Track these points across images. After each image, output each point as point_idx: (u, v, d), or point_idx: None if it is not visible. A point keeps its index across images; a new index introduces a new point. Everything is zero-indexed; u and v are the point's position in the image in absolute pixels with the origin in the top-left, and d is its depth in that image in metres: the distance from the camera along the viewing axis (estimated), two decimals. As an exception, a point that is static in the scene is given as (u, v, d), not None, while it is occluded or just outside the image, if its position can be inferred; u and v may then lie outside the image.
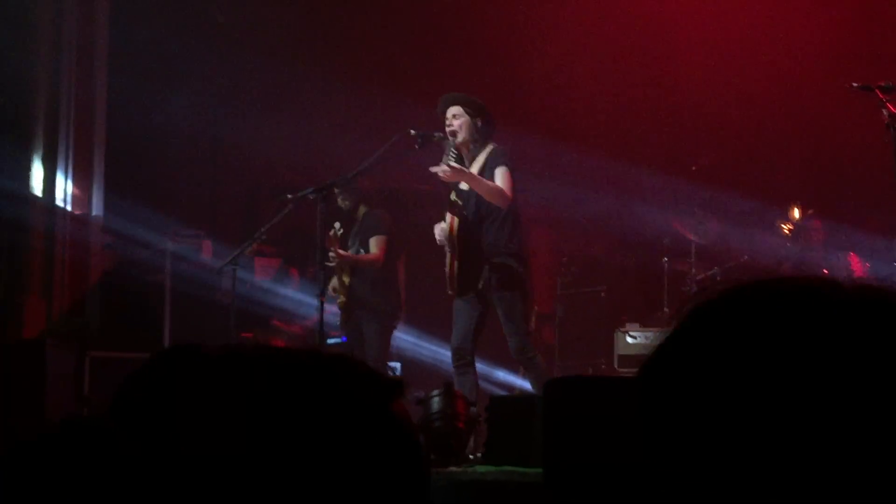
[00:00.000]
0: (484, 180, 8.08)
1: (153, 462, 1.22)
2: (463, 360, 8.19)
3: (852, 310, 1.12)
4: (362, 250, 9.95)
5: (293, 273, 11.99)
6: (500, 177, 8.08)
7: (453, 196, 8.20)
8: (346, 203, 9.95)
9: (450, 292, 8.33)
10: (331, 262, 9.69)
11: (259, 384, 1.24)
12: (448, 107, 8.33)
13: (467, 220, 8.21)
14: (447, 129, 8.25)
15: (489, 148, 8.27)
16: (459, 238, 8.13)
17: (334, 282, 9.97)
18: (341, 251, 9.68)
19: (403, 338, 11.47)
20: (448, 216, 8.17)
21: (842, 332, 1.09)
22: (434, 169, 8.05)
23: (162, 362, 1.30)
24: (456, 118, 8.25)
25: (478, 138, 8.28)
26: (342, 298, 9.94)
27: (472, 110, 8.29)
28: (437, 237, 8.28)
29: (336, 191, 8.59)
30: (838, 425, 1.05)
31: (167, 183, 11.90)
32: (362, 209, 10.06)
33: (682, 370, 1.15)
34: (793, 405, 1.07)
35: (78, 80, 10.47)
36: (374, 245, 9.93)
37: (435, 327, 11.56)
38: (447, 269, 8.22)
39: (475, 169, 8.20)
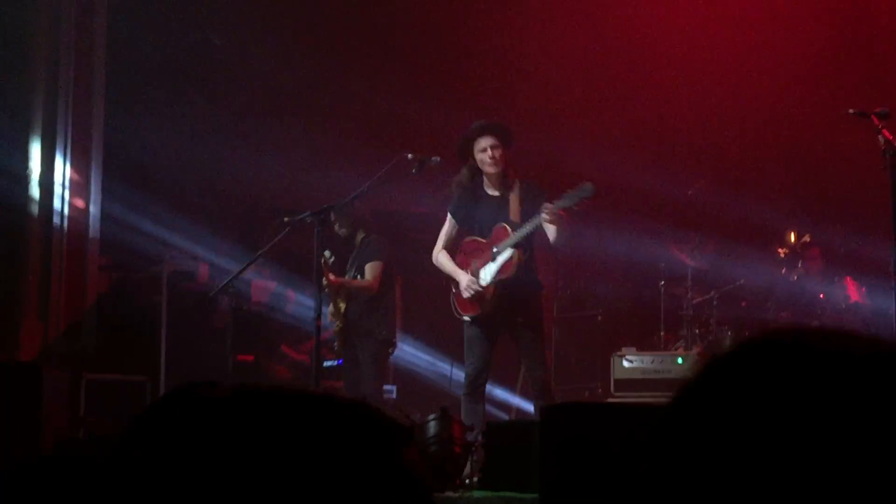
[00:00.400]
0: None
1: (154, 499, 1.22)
2: (479, 388, 8.22)
3: (858, 368, 1.12)
4: (359, 276, 9.96)
5: (290, 295, 11.99)
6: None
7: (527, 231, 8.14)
8: (343, 230, 9.96)
9: (466, 317, 8.36)
10: (326, 287, 9.71)
11: (268, 428, 1.24)
12: (481, 136, 8.27)
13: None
14: (486, 159, 8.24)
15: (524, 182, 8.32)
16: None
17: (330, 308, 9.98)
18: (332, 276, 9.69)
19: (405, 351, 11.49)
20: (515, 252, 8.14)
21: (848, 391, 1.10)
22: (551, 209, 8.00)
23: (170, 403, 1.30)
24: (495, 149, 8.21)
25: (507, 172, 8.31)
26: (339, 324, 9.94)
27: (506, 140, 8.31)
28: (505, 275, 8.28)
29: (332, 217, 8.61)
30: (845, 485, 1.06)
31: (164, 205, 11.89)
32: (360, 235, 10.07)
33: (695, 430, 1.15)
34: (801, 465, 1.08)
35: (76, 103, 10.48)
36: (370, 272, 9.94)
37: (432, 345, 11.60)
38: (483, 298, 8.25)
39: (514, 203, 8.22)
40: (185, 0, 12.22)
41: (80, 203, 10.42)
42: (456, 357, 9.06)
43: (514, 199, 8.26)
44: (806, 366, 1.12)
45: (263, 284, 11.79)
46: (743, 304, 11.37)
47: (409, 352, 11.77)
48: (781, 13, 12.23)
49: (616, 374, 10.54)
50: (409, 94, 12.43)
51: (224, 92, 12.66)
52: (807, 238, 11.47)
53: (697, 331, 11.06)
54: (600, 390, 11.34)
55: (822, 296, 10.97)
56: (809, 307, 11.03)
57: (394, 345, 10.35)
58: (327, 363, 11.10)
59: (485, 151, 8.18)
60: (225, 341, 10.40)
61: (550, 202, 7.94)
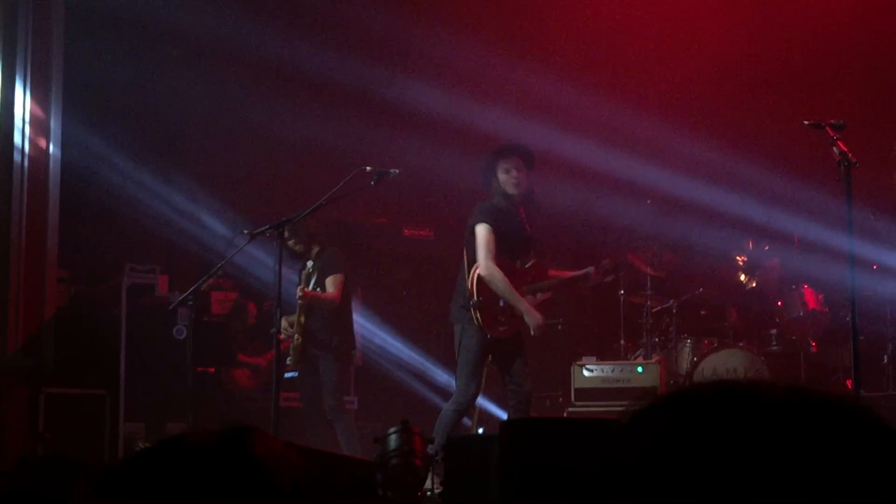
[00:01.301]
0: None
1: None
2: (467, 405, 8.53)
3: (777, 414, 1.21)
4: (319, 289, 9.98)
5: (251, 307, 11.98)
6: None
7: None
8: (299, 246, 9.96)
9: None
10: (299, 299, 9.77)
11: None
12: (509, 156, 8.54)
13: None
14: (510, 180, 8.39)
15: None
16: None
17: (289, 319, 9.98)
18: (307, 289, 9.75)
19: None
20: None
21: (766, 436, 1.19)
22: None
23: (142, 463, 1.31)
24: (519, 170, 8.43)
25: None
26: (298, 339, 9.94)
27: (529, 163, 8.56)
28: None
29: (286, 233, 8.63)
30: None
31: (122, 217, 11.86)
32: (315, 248, 10.09)
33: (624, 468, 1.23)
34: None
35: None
36: (331, 284, 9.96)
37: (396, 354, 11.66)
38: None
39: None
40: None
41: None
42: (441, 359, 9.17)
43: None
44: (721, 417, 1.20)
45: (223, 296, 11.76)
46: (702, 312, 11.44)
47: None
48: (736, 26, 12.33)
49: (576, 384, 10.58)
50: (374, 105, 12.46)
51: (181, 102, 12.62)
52: (766, 248, 11.56)
53: (657, 339, 11.12)
54: (561, 399, 11.37)
55: (780, 303, 11.06)
56: (767, 315, 11.11)
57: (353, 354, 10.39)
58: (288, 374, 11.10)
59: (511, 172, 8.40)
60: (185, 353, 10.36)
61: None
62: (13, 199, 10.09)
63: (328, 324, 9.97)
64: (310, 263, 9.88)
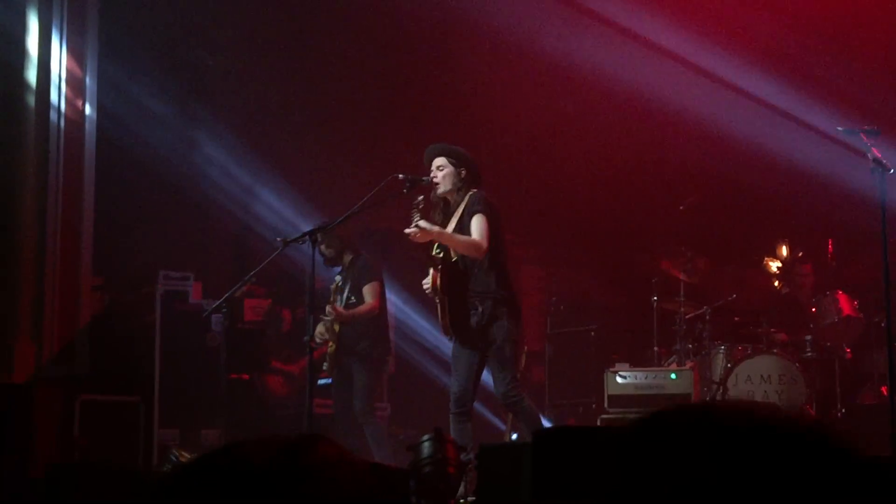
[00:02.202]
0: (455, 236, 8.19)
1: None
2: (463, 407, 8.26)
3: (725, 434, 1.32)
4: (353, 297, 10.03)
5: (285, 314, 12.01)
6: (475, 225, 8.17)
7: (435, 250, 8.27)
8: (330, 251, 10.01)
9: (448, 338, 8.43)
10: (327, 315, 9.81)
11: None
12: (433, 158, 8.44)
13: (453, 266, 8.29)
14: (432, 180, 8.36)
15: (469, 194, 8.34)
16: (445, 289, 8.20)
17: (321, 327, 10.02)
18: (339, 308, 9.81)
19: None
20: (431, 272, 8.22)
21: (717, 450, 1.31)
22: (406, 231, 8.12)
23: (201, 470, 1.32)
24: (440, 169, 8.37)
25: (461, 187, 8.37)
26: (333, 347, 9.98)
27: (455, 160, 8.39)
28: (426, 289, 8.36)
29: (318, 238, 8.66)
30: None
31: (156, 224, 11.92)
32: (348, 256, 10.13)
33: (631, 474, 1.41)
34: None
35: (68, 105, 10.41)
36: (369, 293, 10.03)
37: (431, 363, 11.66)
38: (439, 317, 8.29)
39: (456, 217, 8.29)
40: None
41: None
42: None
43: (458, 213, 8.44)
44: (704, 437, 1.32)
45: (257, 303, 11.80)
46: (735, 318, 11.38)
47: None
48: (772, 30, 12.26)
49: (609, 390, 10.55)
50: (403, 114, 12.48)
51: (217, 110, 12.67)
52: (800, 254, 11.50)
53: (690, 346, 11.07)
54: (594, 405, 11.35)
55: (813, 310, 11.00)
56: (801, 321, 11.05)
57: (387, 362, 10.43)
58: (321, 381, 11.12)
59: (432, 173, 8.43)
60: (218, 361, 10.40)
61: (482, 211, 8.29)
62: (48, 207, 10.14)
63: (363, 331, 10.01)
64: (338, 277, 9.92)
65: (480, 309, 8.24)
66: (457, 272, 8.29)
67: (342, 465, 1.33)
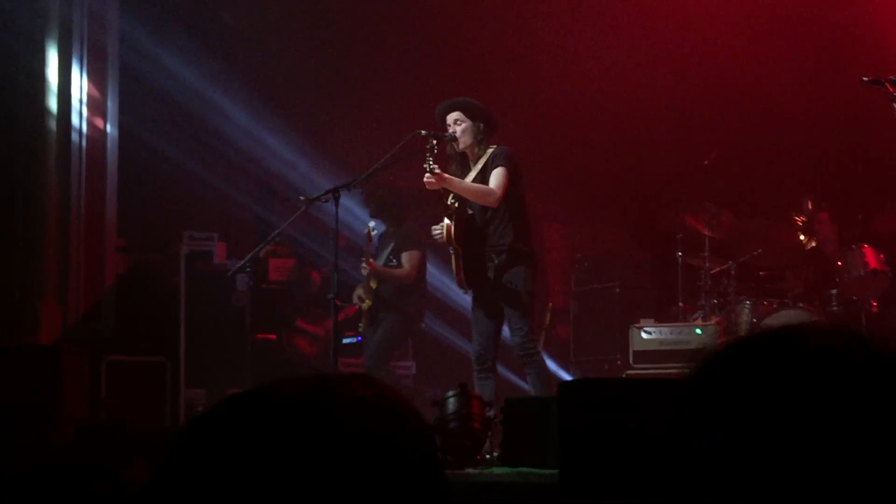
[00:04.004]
0: (466, 183, 8.17)
1: None
2: (484, 365, 8.27)
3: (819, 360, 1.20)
4: (394, 260, 10.09)
5: (314, 277, 12.01)
6: (495, 177, 8.14)
7: (450, 199, 8.23)
8: (377, 205, 10.12)
9: (463, 291, 8.41)
10: (363, 270, 9.85)
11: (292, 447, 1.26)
12: (448, 113, 8.37)
13: (470, 220, 8.26)
14: (454, 135, 8.31)
15: (491, 150, 8.31)
16: (460, 240, 8.16)
17: (360, 289, 10.09)
18: (375, 263, 9.85)
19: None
20: (445, 221, 8.19)
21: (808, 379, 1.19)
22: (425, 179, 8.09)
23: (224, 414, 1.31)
24: (458, 123, 8.31)
25: (482, 139, 8.33)
26: (368, 302, 10.03)
27: (472, 114, 8.33)
28: (436, 237, 8.32)
29: (339, 195, 8.56)
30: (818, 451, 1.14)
31: (179, 185, 11.93)
32: (395, 219, 10.23)
33: (695, 418, 1.23)
34: (788, 460, 1.15)
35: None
36: (407, 261, 10.10)
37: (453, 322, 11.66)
38: (454, 270, 8.27)
39: (476, 171, 8.26)
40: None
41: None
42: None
43: (478, 167, 8.45)
44: (795, 363, 1.20)
45: (281, 263, 11.81)
46: (761, 273, 11.34)
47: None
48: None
49: (635, 346, 10.54)
50: (427, 68, 12.44)
51: (240, 71, 12.67)
52: (825, 208, 11.41)
53: (716, 301, 11.03)
54: (619, 362, 11.34)
55: (839, 263, 10.92)
56: (827, 275, 11.00)
57: (420, 321, 10.45)
58: (346, 340, 11.15)
59: (449, 127, 8.40)
60: (244, 320, 10.44)
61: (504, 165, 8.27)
62: (72, 176, 10.18)
63: (401, 290, 10.08)
64: (372, 225, 9.88)
65: (497, 261, 8.22)
66: (473, 225, 8.27)
67: (382, 406, 1.31)
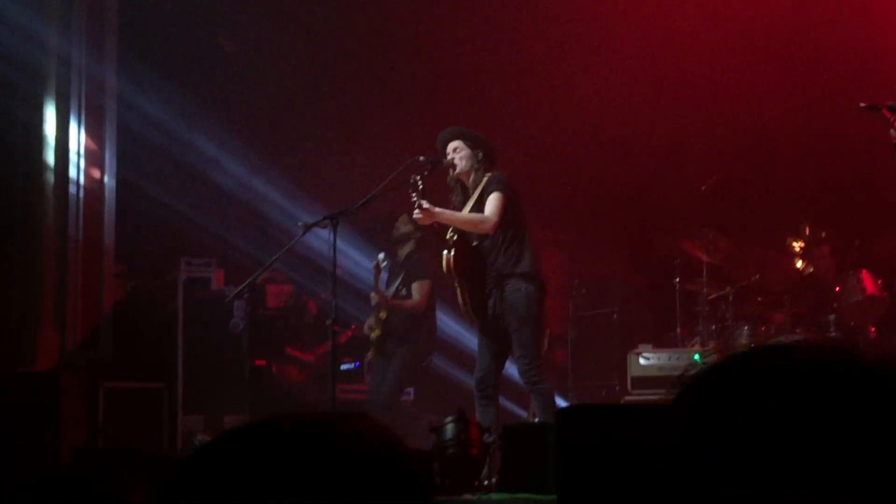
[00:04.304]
0: (458, 214, 8.17)
1: None
2: (486, 391, 8.23)
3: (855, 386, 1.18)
4: (404, 290, 10.11)
5: (311, 305, 12.01)
6: (490, 203, 8.15)
7: (449, 233, 8.22)
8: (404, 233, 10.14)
9: (469, 323, 8.43)
10: (372, 299, 9.86)
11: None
12: (448, 142, 8.40)
13: (473, 250, 8.25)
14: (452, 162, 8.33)
15: (488, 176, 8.32)
16: (460, 272, 8.15)
17: (371, 319, 10.11)
18: (385, 294, 9.87)
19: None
20: (444, 254, 8.19)
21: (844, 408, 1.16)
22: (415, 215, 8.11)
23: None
24: (457, 151, 8.33)
25: (479, 168, 8.34)
26: (378, 332, 10.04)
27: (473, 143, 8.35)
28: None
29: (338, 223, 8.56)
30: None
31: (177, 211, 11.94)
32: (405, 248, 10.23)
33: (686, 433, 1.21)
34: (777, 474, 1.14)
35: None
36: (417, 291, 10.13)
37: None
38: (461, 304, 8.27)
39: (474, 198, 8.26)
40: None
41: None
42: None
43: (475, 194, 8.42)
44: (785, 379, 1.19)
45: (279, 289, 11.81)
46: (759, 299, 11.34)
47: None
48: (791, 6, 12.19)
49: (632, 372, 10.54)
50: (423, 96, 12.46)
51: (236, 97, 12.68)
52: (823, 234, 11.42)
53: (714, 327, 11.04)
54: (617, 388, 11.33)
55: (837, 289, 10.93)
56: (825, 301, 11.00)
57: (431, 352, 10.46)
58: (344, 366, 11.14)
59: (448, 155, 8.43)
60: (241, 347, 10.43)
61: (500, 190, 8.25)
62: (70, 203, 10.22)
63: (411, 321, 10.09)
64: (381, 256, 9.89)
65: (502, 287, 8.20)
66: (476, 255, 8.26)
67: (377, 440, 1.32)
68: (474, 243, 8.30)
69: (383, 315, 10.04)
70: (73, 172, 10.31)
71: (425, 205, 7.95)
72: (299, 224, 8.87)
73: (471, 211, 8.23)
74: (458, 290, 8.22)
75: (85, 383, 9.20)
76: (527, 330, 8.16)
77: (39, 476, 7.38)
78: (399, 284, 10.20)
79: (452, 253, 8.14)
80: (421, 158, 8.24)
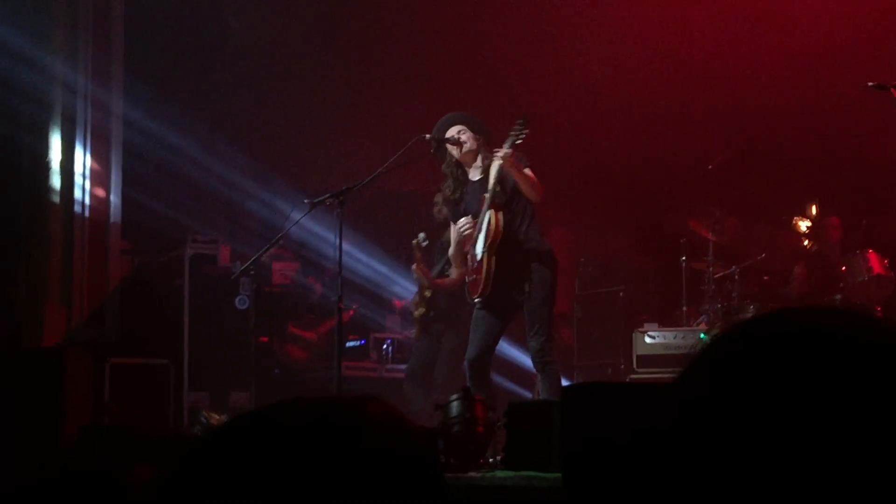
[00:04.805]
0: (525, 172, 7.99)
1: None
2: (479, 371, 8.17)
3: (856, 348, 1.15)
4: (449, 270, 10.09)
5: (317, 286, 12.01)
6: (530, 177, 7.99)
7: (497, 188, 8.11)
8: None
9: (476, 299, 8.28)
10: (414, 274, 9.84)
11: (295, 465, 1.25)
12: (449, 126, 8.30)
13: (506, 224, 8.16)
14: (458, 141, 8.23)
15: (498, 158, 8.13)
16: (503, 237, 8.07)
17: (416, 296, 10.09)
18: (426, 271, 9.82)
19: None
20: (491, 212, 8.08)
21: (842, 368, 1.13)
22: (500, 152, 7.92)
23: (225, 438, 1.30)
24: (461, 133, 8.23)
25: (480, 153, 8.26)
26: (422, 310, 10.01)
27: (473, 128, 8.28)
28: (465, 232, 8.24)
29: (344, 199, 8.54)
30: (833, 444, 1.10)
31: (184, 188, 11.94)
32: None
33: (698, 406, 1.19)
34: (797, 429, 1.11)
35: (94, 96, 10.49)
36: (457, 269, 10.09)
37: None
38: (483, 275, 8.17)
39: (493, 178, 8.10)
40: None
41: (100, 192, 10.46)
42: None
43: (481, 174, 8.24)
44: (812, 345, 1.15)
45: (285, 266, 11.82)
46: (765, 278, 11.34)
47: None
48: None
49: (638, 350, 10.53)
50: (430, 73, 12.44)
51: (244, 73, 12.67)
52: (829, 214, 11.40)
53: (720, 305, 11.03)
54: (623, 366, 11.33)
55: (843, 269, 10.92)
56: (831, 280, 10.99)
57: None
58: (350, 343, 11.14)
59: (452, 138, 8.25)
60: (247, 324, 10.44)
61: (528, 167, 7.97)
62: (75, 173, 10.23)
63: (456, 299, 10.05)
64: (421, 236, 9.85)
65: (527, 267, 8.11)
66: (508, 230, 8.16)
67: (392, 426, 1.31)
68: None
69: (428, 294, 10.00)
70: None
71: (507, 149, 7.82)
72: (305, 200, 8.84)
73: (492, 192, 8.09)
74: (486, 264, 8.08)
75: (91, 360, 9.21)
76: (546, 309, 8.11)
77: (45, 452, 7.41)
78: (445, 264, 10.15)
79: (501, 214, 8.03)
80: (427, 136, 8.21)
